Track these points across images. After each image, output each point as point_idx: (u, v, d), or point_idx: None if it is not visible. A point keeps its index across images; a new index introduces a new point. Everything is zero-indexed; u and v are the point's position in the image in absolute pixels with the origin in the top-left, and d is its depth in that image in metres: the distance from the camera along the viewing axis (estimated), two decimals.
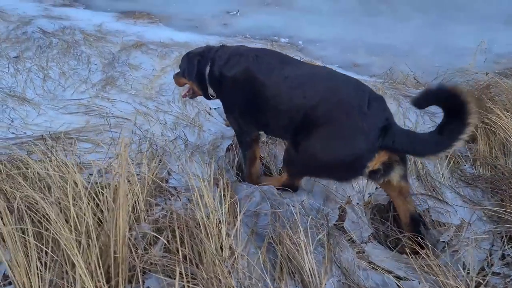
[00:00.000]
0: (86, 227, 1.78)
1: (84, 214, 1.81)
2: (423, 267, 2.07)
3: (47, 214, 1.76)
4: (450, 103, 1.86)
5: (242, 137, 2.61)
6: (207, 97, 2.69)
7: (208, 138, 2.99)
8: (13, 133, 2.91)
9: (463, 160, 2.68)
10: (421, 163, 2.67)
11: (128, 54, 4.39)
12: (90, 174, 2.32)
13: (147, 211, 2.18)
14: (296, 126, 2.22)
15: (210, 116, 3.30)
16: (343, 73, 2.37)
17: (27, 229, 1.70)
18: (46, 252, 1.71)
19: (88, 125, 3.00)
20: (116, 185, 1.94)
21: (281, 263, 2.01)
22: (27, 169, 2.24)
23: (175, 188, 2.41)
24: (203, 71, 2.57)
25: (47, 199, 1.80)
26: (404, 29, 6.22)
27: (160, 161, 2.55)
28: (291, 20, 6.41)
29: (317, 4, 7.16)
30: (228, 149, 2.91)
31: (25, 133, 2.91)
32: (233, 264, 1.94)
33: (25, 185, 1.88)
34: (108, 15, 6.07)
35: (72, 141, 2.70)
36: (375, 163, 2.06)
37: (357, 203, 2.47)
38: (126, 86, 3.66)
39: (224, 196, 2.24)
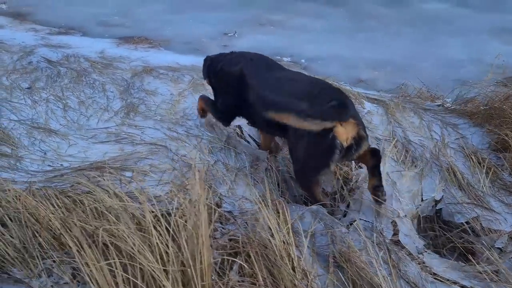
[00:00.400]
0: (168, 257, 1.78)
1: (163, 243, 1.81)
2: (481, 273, 2.14)
3: (130, 247, 1.75)
4: None
5: (221, 118, 3.24)
6: None
7: (245, 160, 3.01)
8: (49, 165, 2.87)
9: (500, 170, 2.79)
10: (460, 173, 2.76)
11: (141, 80, 4.39)
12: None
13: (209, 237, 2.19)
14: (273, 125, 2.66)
15: (241, 139, 3.33)
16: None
17: (114, 263, 1.69)
18: (134, 285, 1.70)
19: (124, 153, 2.98)
20: (183, 212, 1.96)
21: (353, 282, 2.04)
22: (82, 203, 2.23)
23: (230, 212, 2.42)
24: (212, 70, 3.18)
25: (128, 231, 1.79)
26: (398, 44, 6.42)
27: (209, 186, 2.55)
28: (288, 39, 6.53)
29: (309, 23, 7.33)
30: (266, 170, 2.94)
31: (61, 164, 2.87)
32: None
33: (113, 219, 1.85)
34: (107, 42, 6.06)
35: (115, 170, 2.68)
36: (346, 138, 2.36)
37: (405, 216, 2.53)
38: (150, 112, 3.66)
39: (279, 216, 2.28)
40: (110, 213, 2.00)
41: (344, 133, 2.35)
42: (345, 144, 2.36)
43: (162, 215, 1.99)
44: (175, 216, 1.94)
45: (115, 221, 1.89)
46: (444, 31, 6.93)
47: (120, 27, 6.92)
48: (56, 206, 2.16)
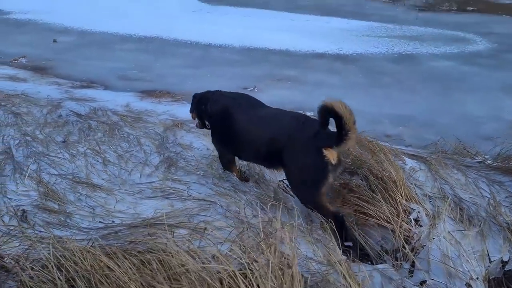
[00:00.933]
0: None
1: None
2: None
3: None
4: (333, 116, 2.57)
5: (222, 158, 3.45)
6: (205, 127, 3.48)
7: (299, 216, 2.94)
8: (100, 221, 2.78)
9: None
10: None
11: (174, 133, 4.39)
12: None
13: None
14: (264, 155, 2.99)
15: (287, 194, 3.28)
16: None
17: None
18: None
19: (175, 209, 2.91)
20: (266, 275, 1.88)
21: None
22: (149, 263, 2.14)
23: (301, 274, 2.33)
24: (201, 108, 3.38)
25: None
26: (415, 100, 6.54)
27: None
28: (306, 94, 6.63)
29: (325, 78, 7.49)
30: (322, 225, 2.88)
31: (113, 221, 2.79)
32: None
33: (193, 281, 1.77)
34: (131, 95, 6.10)
35: (172, 228, 2.60)
36: (332, 157, 2.72)
37: (477, 278, 2.46)
38: (191, 167, 3.62)
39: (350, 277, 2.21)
40: (184, 273, 1.92)
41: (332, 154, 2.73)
42: (333, 162, 2.73)
43: (241, 275, 1.92)
44: (261, 278, 1.87)
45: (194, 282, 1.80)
46: (457, 88, 7.10)
47: (140, 81, 7.02)
48: (126, 267, 2.07)
